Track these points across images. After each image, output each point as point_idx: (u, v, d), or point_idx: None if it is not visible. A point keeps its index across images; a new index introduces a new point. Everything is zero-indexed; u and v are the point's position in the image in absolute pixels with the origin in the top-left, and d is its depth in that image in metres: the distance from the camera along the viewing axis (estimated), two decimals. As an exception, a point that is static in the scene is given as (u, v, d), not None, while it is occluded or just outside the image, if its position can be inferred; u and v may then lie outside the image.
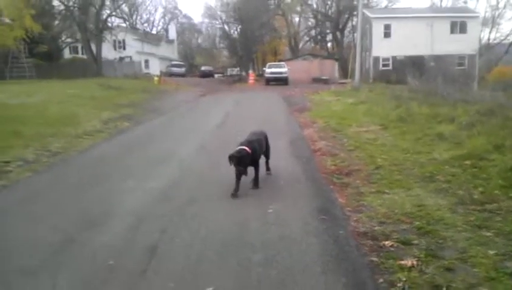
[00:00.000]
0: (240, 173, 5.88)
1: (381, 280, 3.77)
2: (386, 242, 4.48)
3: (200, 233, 4.77)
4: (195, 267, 4.03)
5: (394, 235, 4.61)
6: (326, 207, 5.53)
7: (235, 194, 5.91)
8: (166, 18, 74.19)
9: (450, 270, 3.87)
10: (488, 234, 4.53)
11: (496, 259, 3.99)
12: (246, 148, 5.98)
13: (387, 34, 37.80)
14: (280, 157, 8.19)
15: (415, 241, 4.45)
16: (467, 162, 6.97)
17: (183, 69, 56.36)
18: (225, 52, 65.60)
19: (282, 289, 3.64)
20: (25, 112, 13.99)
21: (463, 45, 35.88)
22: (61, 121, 13.17)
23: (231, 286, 3.71)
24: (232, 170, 6.06)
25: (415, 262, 4.02)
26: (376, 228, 4.85)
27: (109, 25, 43.89)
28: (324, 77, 40.97)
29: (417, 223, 4.89)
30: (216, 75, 58.67)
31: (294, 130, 11.70)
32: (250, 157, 6.01)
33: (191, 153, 9.11)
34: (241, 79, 46.77)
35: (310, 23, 60.00)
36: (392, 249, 4.34)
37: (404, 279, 3.74)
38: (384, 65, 38.12)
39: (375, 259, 4.15)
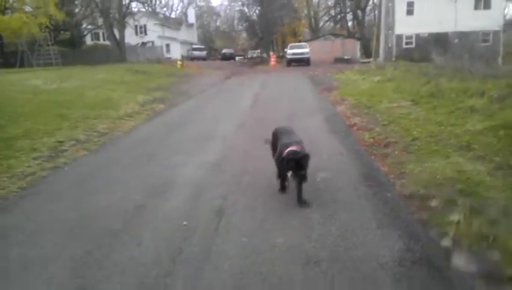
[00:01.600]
0: (301, 178, 4.78)
1: (432, 233, 4.18)
2: (432, 202, 4.87)
3: (259, 199, 5.23)
4: (261, 225, 4.49)
5: (439, 197, 4.99)
6: (371, 175, 5.94)
7: (283, 191, 5.38)
8: (185, 1, 74.39)
9: (494, 223, 4.25)
10: (527, 193, 4.89)
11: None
12: (299, 148, 4.90)
13: (410, 12, 37.50)
14: (319, 132, 8.62)
15: (459, 201, 4.83)
16: (501, 132, 7.27)
17: (204, 53, 56.76)
18: (244, 35, 65.66)
19: (343, 242, 4.07)
20: (65, 97, 14.59)
21: (487, 21, 35.41)
22: (101, 104, 13.74)
23: (297, 240, 4.15)
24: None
25: (461, 218, 4.41)
26: (421, 191, 5.24)
27: (131, 10, 44.39)
28: (346, 57, 40.96)
29: (459, 186, 5.26)
30: (237, 58, 58.91)
31: (327, 108, 12.05)
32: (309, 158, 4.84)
33: (231, 132, 9.56)
34: (262, 61, 46.98)
35: (329, 3, 59.63)
36: (438, 208, 4.73)
37: (453, 231, 4.14)
38: (407, 43, 37.92)
39: (424, 216, 4.55)
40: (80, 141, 9.14)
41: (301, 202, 4.91)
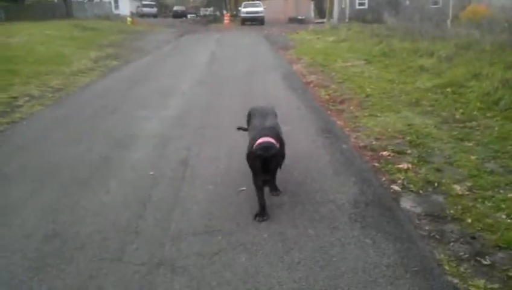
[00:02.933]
0: (264, 182, 3.65)
1: (383, 179, 4.54)
2: (384, 152, 5.24)
3: (222, 149, 5.44)
4: (226, 173, 4.72)
5: (390, 147, 5.37)
6: (328, 128, 6.26)
7: (262, 214, 3.74)
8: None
9: (439, 171, 4.66)
10: (470, 144, 5.34)
11: (477, 162, 4.80)
12: (271, 139, 3.64)
13: (363, -28, 37.69)
14: (276, 89, 8.87)
15: (408, 151, 5.23)
16: (448, 89, 7.75)
17: (154, 10, 55.10)
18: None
19: (303, 187, 4.36)
20: (14, 52, 14.08)
21: (438, -17, 36.18)
22: (52, 60, 13.38)
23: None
24: (236, 105, 6.62)
25: (410, 166, 4.80)
26: (373, 142, 5.61)
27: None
28: (300, 17, 40.95)
29: (408, 138, 5.67)
30: (189, 16, 57.54)
31: (284, 66, 12.25)
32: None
33: (190, 88, 9.63)
34: (215, 19, 46.22)
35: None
36: (389, 157, 5.11)
37: (402, 177, 4.52)
38: (360, 4, 38.23)
39: (376, 164, 4.92)
40: (34, 96, 8.98)
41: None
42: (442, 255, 3.19)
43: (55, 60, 13.48)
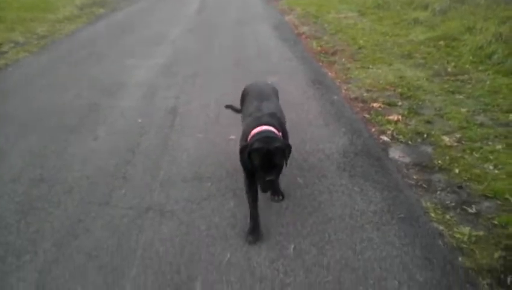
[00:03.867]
0: (266, 185, 2.71)
1: (373, 130, 4.53)
2: (374, 104, 5.21)
3: (211, 98, 5.37)
4: (215, 121, 4.68)
5: (380, 99, 5.34)
6: (319, 79, 6.18)
7: (255, 233, 2.85)
8: None
9: (429, 122, 4.66)
10: (460, 97, 5.32)
11: (467, 114, 4.79)
12: (272, 129, 2.85)
13: None
14: (268, 39, 8.71)
15: (399, 103, 5.20)
16: (441, 42, 7.66)
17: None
18: None
19: (292, 137, 4.33)
20: (-3, -3, 13.59)
21: None
22: (37, 6, 12.96)
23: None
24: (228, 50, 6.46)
25: (400, 117, 4.79)
26: (364, 94, 5.57)
27: None
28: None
29: (399, 90, 5.63)
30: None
31: (275, 16, 11.99)
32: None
33: (179, 36, 9.42)
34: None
35: None
36: (379, 109, 5.08)
37: (392, 128, 4.51)
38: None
39: (366, 116, 4.90)
40: (20, 43, 8.77)
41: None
42: (428, 204, 3.23)
43: (41, 6, 13.05)
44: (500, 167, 3.70)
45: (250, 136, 2.80)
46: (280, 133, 2.88)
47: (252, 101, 3.23)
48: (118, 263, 2.64)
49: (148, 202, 3.24)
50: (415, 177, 3.62)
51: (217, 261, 2.64)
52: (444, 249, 2.74)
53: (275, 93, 3.56)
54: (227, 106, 4.03)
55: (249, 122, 2.96)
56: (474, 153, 3.97)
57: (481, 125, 4.52)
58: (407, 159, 3.93)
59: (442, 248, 2.75)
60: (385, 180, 3.53)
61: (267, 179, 2.63)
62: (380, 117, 4.82)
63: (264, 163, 2.61)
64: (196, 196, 3.31)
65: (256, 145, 2.64)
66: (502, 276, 2.55)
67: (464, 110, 4.90)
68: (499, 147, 4.04)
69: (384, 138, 4.34)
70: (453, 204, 3.24)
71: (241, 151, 2.76)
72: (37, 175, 3.64)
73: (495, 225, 3.01)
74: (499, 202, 3.25)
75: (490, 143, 4.13)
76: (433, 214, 3.09)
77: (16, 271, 2.61)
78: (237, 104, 3.75)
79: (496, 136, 4.25)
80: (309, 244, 2.79)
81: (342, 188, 3.42)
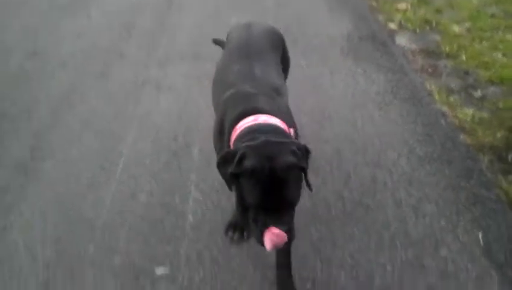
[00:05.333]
0: (271, 241, 1.31)
1: (380, 17, 4.34)
2: (383, -7, 4.94)
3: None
4: (215, 6, 4.44)
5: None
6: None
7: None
8: None
9: (439, 11, 4.44)
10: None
11: (479, 5, 4.56)
12: (276, 120, 1.52)
13: None
14: None
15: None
16: None
17: None
18: None
19: (297, 23, 4.15)
20: None
21: None
22: None
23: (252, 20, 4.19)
24: None
25: (409, 6, 4.56)
26: (372, -17, 5.26)
27: None
28: None
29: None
30: None
31: None
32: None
33: None
34: None
35: None
36: (388, -3, 4.83)
37: (400, 17, 4.31)
38: None
39: (374, 4, 4.66)
40: None
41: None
42: (433, 86, 3.14)
43: None
44: (509, 55, 3.58)
45: (234, 134, 1.51)
46: (291, 130, 1.55)
47: (238, 60, 1.85)
48: (114, 130, 2.61)
49: (145, 76, 3.16)
50: (420, 62, 3.51)
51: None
52: (446, 128, 2.69)
53: (280, 46, 2.14)
54: (216, 41, 2.63)
55: (231, 105, 1.62)
56: (483, 41, 3.82)
57: (492, 16, 4.32)
58: (413, 46, 3.79)
59: (444, 126, 2.71)
60: (389, 64, 3.42)
61: (275, 230, 1.30)
62: (388, 5, 4.60)
63: (266, 197, 1.30)
64: (194, 73, 3.21)
65: (249, 162, 1.32)
66: (504, 153, 2.53)
67: (475, 0, 4.67)
68: (509, 36, 3.88)
69: (391, 26, 4.16)
70: (458, 88, 3.16)
71: (220, 165, 1.43)
72: (31, 49, 3.51)
73: (499, 109, 2.95)
74: (505, 88, 3.16)
75: (500, 33, 3.96)
76: (437, 96, 3.02)
77: (10, 135, 2.57)
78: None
79: (507, 27, 4.07)
80: (309, 121, 2.73)
81: (345, 70, 3.31)
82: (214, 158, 2.29)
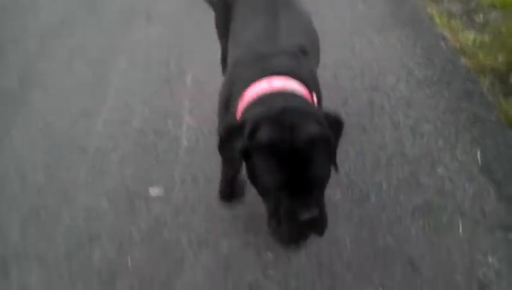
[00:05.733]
0: (300, 233, 1.16)
1: None
2: None
3: None
4: None
5: None
6: None
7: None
8: None
9: None
10: None
11: None
12: (296, 86, 1.24)
13: None
14: None
15: None
16: None
17: None
18: None
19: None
20: None
21: None
22: None
23: None
24: None
25: None
26: None
27: None
28: None
29: None
30: None
31: None
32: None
33: None
34: None
35: None
36: None
37: None
38: None
39: None
40: None
41: None
42: (434, 11, 3.04)
43: None
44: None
45: (242, 104, 1.25)
46: (314, 97, 1.31)
47: (251, 14, 1.54)
48: (105, 59, 2.54)
49: (136, 6, 3.04)
50: (421, -13, 3.37)
51: (207, 60, 2.47)
52: (446, 51, 2.62)
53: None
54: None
55: (242, 69, 1.35)
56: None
57: None
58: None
59: (444, 49, 2.63)
60: (389, -11, 3.28)
61: (304, 216, 1.07)
62: None
63: (288, 176, 1.06)
64: (186, 5, 3.08)
65: (265, 133, 1.07)
66: (505, 76, 2.46)
67: None
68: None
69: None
70: (460, 12, 3.06)
71: (223, 140, 1.17)
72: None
73: (501, 33, 2.85)
74: (507, 12, 3.05)
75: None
76: (437, 20, 2.92)
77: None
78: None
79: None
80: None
81: (342, -5, 3.18)
82: (208, 85, 2.28)
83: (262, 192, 1.14)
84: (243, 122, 1.10)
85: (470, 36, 2.79)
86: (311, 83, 1.31)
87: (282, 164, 1.04)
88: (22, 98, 2.34)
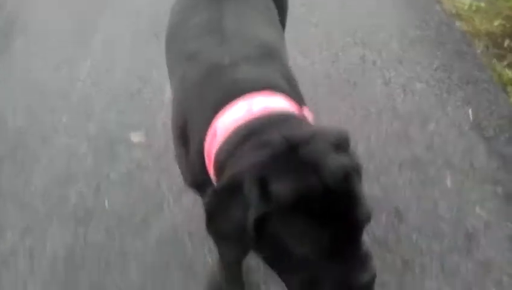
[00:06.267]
0: None
1: None
2: None
3: None
4: None
5: None
6: None
7: None
8: None
9: None
10: None
11: None
12: (284, 102, 0.89)
13: None
14: None
15: None
16: None
17: None
18: None
19: None
20: None
21: None
22: None
23: None
24: None
25: None
26: None
27: None
28: None
29: None
30: None
31: None
32: None
33: None
34: None
35: None
36: None
37: None
38: None
39: None
40: None
41: None
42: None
43: None
44: None
45: (216, 142, 0.87)
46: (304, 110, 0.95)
47: (200, 4, 1.18)
48: (91, 10, 2.47)
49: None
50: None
51: None
52: (442, 14, 2.56)
53: None
54: None
55: (195, 90, 0.99)
56: None
57: None
58: None
59: (440, 12, 2.57)
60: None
61: (365, 278, 0.74)
62: None
63: (334, 233, 0.71)
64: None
65: (283, 184, 0.70)
66: (499, 40, 2.41)
67: None
68: None
69: None
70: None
71: (214, 214, 0.78)
72: None
73: (498, -1, 2.80)
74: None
75: None
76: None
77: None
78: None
79: None
80: (298, 4, 2.56)
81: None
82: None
83: (292, 269, 0.76)
84: (237, 179, 0.73)
85: (465, 1, 2.73)
86: (295, 95, 0.96)
87: (321, 219, 0.70)
88: (4, 45, 2.27)
